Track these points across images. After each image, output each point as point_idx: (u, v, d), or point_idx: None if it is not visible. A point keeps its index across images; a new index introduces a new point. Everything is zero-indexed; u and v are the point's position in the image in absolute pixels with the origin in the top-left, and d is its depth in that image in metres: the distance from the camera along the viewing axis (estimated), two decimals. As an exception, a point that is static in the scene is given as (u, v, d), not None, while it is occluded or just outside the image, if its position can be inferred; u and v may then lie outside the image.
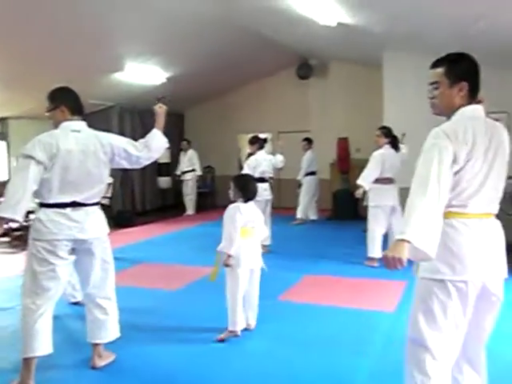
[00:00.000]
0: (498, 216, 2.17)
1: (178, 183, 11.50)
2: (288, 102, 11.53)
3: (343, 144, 9.68)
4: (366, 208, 6.24)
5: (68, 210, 3.00)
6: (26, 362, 2.94)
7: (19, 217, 2.85)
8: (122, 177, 10.47)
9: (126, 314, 3.59)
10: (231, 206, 3.77)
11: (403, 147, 6.16)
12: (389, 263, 1.90)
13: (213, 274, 3.69)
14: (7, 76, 7.17)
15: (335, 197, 9.77)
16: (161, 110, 3.37)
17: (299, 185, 9.57)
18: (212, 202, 12.26)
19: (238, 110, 12.03)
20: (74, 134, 3.04)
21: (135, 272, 5.87)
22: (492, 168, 2.08)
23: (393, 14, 6.11)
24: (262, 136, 7.48)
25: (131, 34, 7.23)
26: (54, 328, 3.06)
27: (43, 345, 2.95)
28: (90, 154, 3.05)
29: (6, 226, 3.01)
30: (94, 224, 3.10)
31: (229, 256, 3.60)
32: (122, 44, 7.58)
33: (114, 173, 9.35)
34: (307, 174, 9.45)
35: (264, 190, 6.45)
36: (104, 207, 3.50)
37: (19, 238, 7.38)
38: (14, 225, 6.52)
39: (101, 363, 3.24)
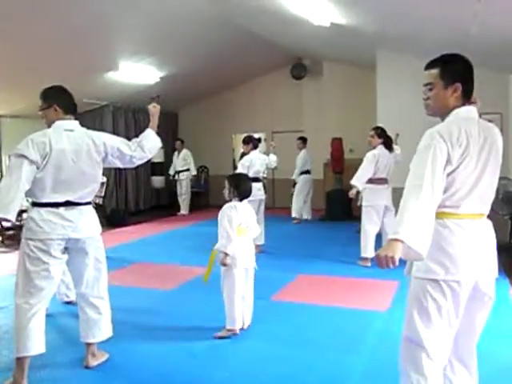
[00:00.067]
0: (489, 216, 2.19)
1: (171, 183, 11.48)
2: (282, 102, 11.55)
3: (337, 144, 9.70)
4: (359, 208, 6.26)
5: (61, 210, 2.99)
6: (19, 361, 2.93)
7: (12, 216, 2.84)
8: (115, 176, 10.45)
9: (119, 314, 3.59)
10: (227, 205, 3.78)
11: (397, 148, 6.18)
12: (381, 262, 1.91)
13: (206, 273, 3.70)
14: (0, 75, 7.14)
15: (329, 197, 9.78)
16: (155, 109, 3.37)
17: (294, 184, 9.58)
18: (206, 201, 12.27)
19: (232, 109, 12.03)
20: (67, 133, 3.03)
21: (128, 271, 5.86)
22: (485, 169, 2.10)
23: (385, 15, 6.14)
24: (255, 136, 7.49)
25: (125, 33, 7.22)
26: (47, 327, 3.06)
27: (36, 344, 2.94)
28: (83, 153, 3.05)
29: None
30: (87, 223, 3.10)
31: (226, 255, 3.60)
32: (116, 43, 7.56)
33: (108, 172, 9.36)
34: (301, 173, 9.48)
35: (258, 190, 6.45)
36: (97, 206, 3.50)
37: (12, 237, 7.35)
38: (6, 224, 6.49)
39: (94, 362, 3.23)
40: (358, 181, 5.77)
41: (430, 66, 2.19)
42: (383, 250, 1.92)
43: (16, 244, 6.24)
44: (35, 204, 3.01)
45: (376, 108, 8.31)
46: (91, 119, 9.87)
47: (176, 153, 11.28)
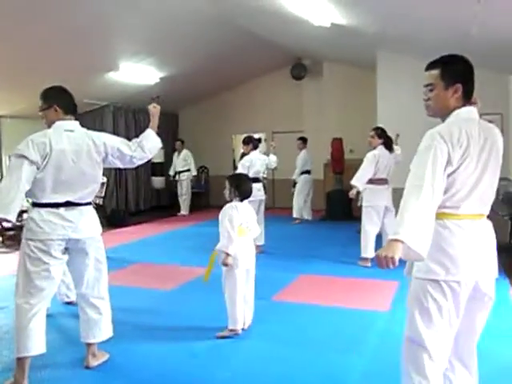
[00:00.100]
0: (489, 217, 2.20)
1: (171, 183, 11.48)
2: (282, 102, 11.55)
3: (337, 144, 9.70)
4: (359, 208, 6.26)
5: (61, 210, 3.00)
6: (20, 361, 2.93)
7: (12, 217, 2.84)
8: (115, 176, 10.45)
9: (119, 314, 3.59)
10: (228, 206, 3.78)
11: (397, 148, 6.18)
12: (381, 262, 1.91)
13: (206, 273, 3.70)
14: (0, 75, 7.14)
15: (329, 197, 9.79)
16: (155, 109, 3.38)
17: (294, 184, 9.58)
18: (206, 202, 12.27)
19: (232, 110, 12.03)
20: (67, 134, 3.03)
21: (129, 272, 5.86)
22: (485, 170, 2.10)
23: (385, 16, 6.14)
24: (256, 136, 7.49)
25: (125, 33, 7.23)
26: (47, 327, 3.06)
27: (37, 344, 2.94)
28: (84, 153, 3.05)
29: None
30: (87, 223, 3.10)
31: (227, 255, 3.60)
32: (117, 44, 7.57)
33: (108, 172, 9.37)
34: (302, 173, 9.49)
35: (258, 190, 6.45)
36: (97, 207, 3.50)
37: (12, 237, 7.36)
38: (6, 224, 6.49)
39: (94, 363, 3.23)
40: (359, 181, 5.77)
41: (430, 66, 2.19)
42: (383, 250, 1.93)
43: (16, 244, 6.25)
44: (35, 204, 3.01)
45: (376, 108, 8.31)
46: (91, 119, 9.88)
47: (176, 153, 11.28)
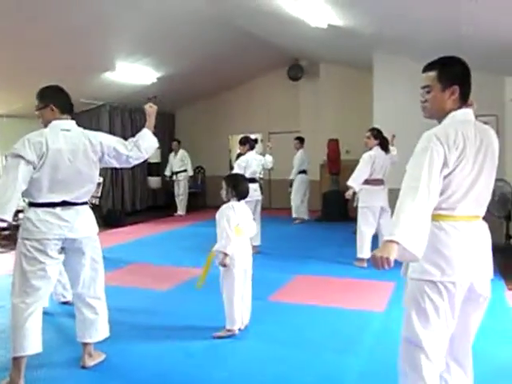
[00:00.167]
0: (485, 218, 2.21)
1: (168, 183, 11.47)
2: (279, 103, 11.56)
3: (333, 145, 9.71)
4: (355, 209, 6.28)
5: (58, 210, 3.00)
6: (16, 360, 2.93)
7: (8, 217, 2.83)
8: (111, 176, 10.44)
9: (116, 314, 3.58)
10: (225, 206, 3.78)
11: (393, 149, 6.20)
12: (377, 263, 1.92)
13: (200, 279, 3.70)
14: (-3, 74, 7.14)
15: (325, 198, 9.80)
16: (151, 109, 3.38)
17: (290, 184, 9.59)
18: (203, 202, 12.26)
19: (228, 110, 12.04)
20: (64, 133, 3.03)
21: (125, 272, 5.85)
22: (481, 171, 2.11)
23: (382, 17, 6.15)
24: (252, 136, 7.50)
25: (123, 33, 7.22)
26: (43, 327, 3.05)
27: (33, 344, 2.94)
28: (80, 152, 3.05)
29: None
30: (83, 223, 3.10)
31: (225, 255, 3.60)
32: (114, 43, 7.56)
33: (104, 172, 9.35)
34: (298, 173, 9.49)
35: (254, 191, 6.45)
36: (93, 207, 3.50)
37: (8, 237, 7.34)
38: (2, 224, 6.48)
39: (91, 363, 3.23)
40: (355, 182, 5.78)
41: (427, 68, 2.19)
42: (379, 251, 1.94)
43: (12, 244, 6.23)
44: (32, 204, 3.01)
45: (372, 109, 8.33)
46: (88, 119, 9.86)
47: (172, 153, 11.25)
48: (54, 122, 3.05)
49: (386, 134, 6.12)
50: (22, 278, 2.96)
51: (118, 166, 3.31)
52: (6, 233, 7.40)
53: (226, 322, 3.71)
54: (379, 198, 5.93)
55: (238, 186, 3.85)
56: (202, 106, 12.34)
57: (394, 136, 6.42)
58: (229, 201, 3.82)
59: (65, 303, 4.46)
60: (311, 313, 4.31)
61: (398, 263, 1.99)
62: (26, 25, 5.90)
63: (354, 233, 6.23)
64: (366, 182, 5.85)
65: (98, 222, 3.30)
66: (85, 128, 3.21)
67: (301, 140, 9.62)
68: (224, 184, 3.87)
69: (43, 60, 7.06)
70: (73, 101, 3.19)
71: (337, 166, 9.72)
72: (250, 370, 3.21)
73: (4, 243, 7.35)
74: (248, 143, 6.81)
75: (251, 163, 6.69)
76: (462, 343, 2.23)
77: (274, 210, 10.76)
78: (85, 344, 3.23)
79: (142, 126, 3.35)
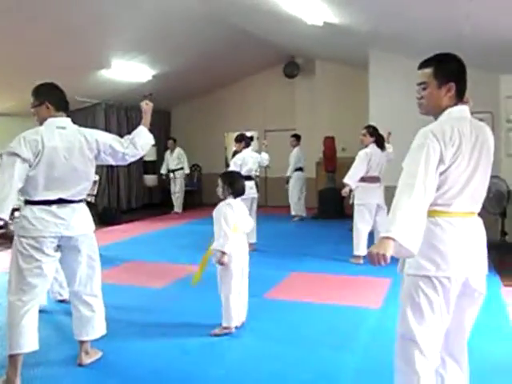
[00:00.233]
0: (480, 214, 2.22)
1: (164, 181, 11.46)
2: (275, 101, 11.56)
3: (329, 143, 9.72)
4: (351, 206, 6.29)
5: (54, 207, 2.99)
6: (12, 358, 2.92)
7: (5, 215, 2.83)
8: (107, 174, 10.42)
9: (112, 312, 3.59)
10: (222, 204, 3.77)
11: (389, 146, 6.21)
12: (373, 259, 1.93)
13: (196, 276, 3.69)
14: (-9, 72, 7.11)
15: (321, 195, 9.81)
16: (147, 106, 3.37)
17: (287, 181, 9.59)
18: (199, 200, 12.26)
19: (224, 107, 12.03)
20: (59, 131, 3.02)
21: (121, 270, 5.85)
22: (477, 168, 2.12)
23: (378, 15, 6.16)
24: (248, 134, 7.50)
25: (118, 31, 7.20)
26: (40, 325, 3.05)
27: (29, 341, 2.94)
28: (76, 150, 3.04)
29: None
30: (80, 221, 3.10)
31: (224, 254, 3.59)
32: (109, 41, 7.54)
33: (100, 170, 9.33)
34: (294, 170, 9.50)
35: (250, 188, 6.45)
36: (89, 204, 3.49)
37: (4, 235, 7.31)
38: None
39: (87, 360, 3.23)
40: (351, 179, 5.79)
41: (423, 65, 2.20)
42: (375, 247, 1.94)
43: (8, 242, 6.21)
44: (28, 202, 3.01)
45: (368, 107, 8.34)
46: (83, 117, 9.83)
47: (168, 151, 11.23)
48: (50, 120, 3.05)
49: (381, 132, 6.13)
50: (19, 275, 2.95)
51: (114, 163, 3.30)
52: (2, 231, 7.37)
53: (223, 319, 3.71)
54: (375, 195, 5.94)
55: (234, 184, 3.84)
56: (198, 103, 12.33)
57: (389, 133, 6.43)
58: (225, 198, 3.82)
59: (61, 301, 4.46)
60: (307, 310, 4.32)
61: (394, 260, 2.00)
62: (20, 23, 5.88)
63: (350, 230, 6.25)
64: (362, 179, 5.86)
65: (93, 220, 3.29)
66: (80, 126, 3.21)
67: (297, 137, 9.62)
68: (220, 181, 3.86)
69: (37, 58, 7.03)
70: (68, 99, 3.19)
71: (333, 163, 9.73)
72: (246, 366, 3.22)
73: (0, 241, 7.33)
74: (244, 141, 6.81)
75: (247, 161, 6.69)
76: (458, 339, 2.24)
77: (269, 208, 10.77)
78: (81, 342, 3.23)
79: (138, 124, 3.34)
